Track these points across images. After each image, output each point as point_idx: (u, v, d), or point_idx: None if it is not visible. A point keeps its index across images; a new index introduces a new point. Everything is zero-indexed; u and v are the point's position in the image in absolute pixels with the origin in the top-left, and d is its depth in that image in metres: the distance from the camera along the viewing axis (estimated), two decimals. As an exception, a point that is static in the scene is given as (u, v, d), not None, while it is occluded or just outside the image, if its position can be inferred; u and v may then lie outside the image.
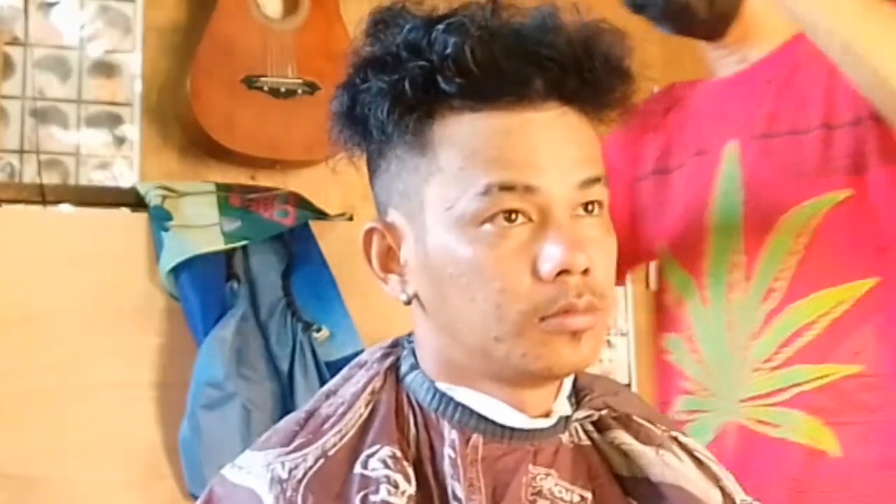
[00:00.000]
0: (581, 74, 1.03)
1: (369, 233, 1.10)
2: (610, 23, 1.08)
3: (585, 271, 1.02)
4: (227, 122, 2.50)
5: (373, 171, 1.11)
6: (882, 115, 1.37)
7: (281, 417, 2.43)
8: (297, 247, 2.49)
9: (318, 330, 2.49)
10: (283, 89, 2.54)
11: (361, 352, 2.54)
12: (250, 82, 2.52)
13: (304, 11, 2.60)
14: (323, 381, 2.43)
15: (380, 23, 1.07)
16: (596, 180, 1.05)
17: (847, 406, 1.41)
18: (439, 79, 1.02)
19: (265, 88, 2.53)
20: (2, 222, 2.35)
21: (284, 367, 2.45)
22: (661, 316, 1.56)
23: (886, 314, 1.43)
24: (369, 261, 1.10)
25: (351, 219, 2.51)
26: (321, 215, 2.51)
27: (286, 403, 2.43)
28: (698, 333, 1.48)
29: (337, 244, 2.49)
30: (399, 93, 1.03)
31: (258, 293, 2.45)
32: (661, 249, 1.54)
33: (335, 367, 2.44)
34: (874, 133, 1.42)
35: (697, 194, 1.49)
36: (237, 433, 2.37)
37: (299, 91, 2.55)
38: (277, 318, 2.46)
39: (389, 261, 1.10)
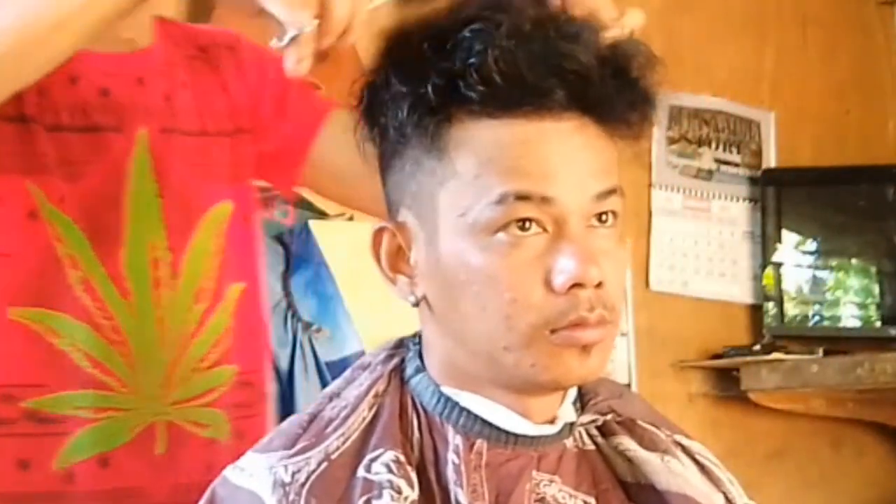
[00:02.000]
0: (603, 88, 1.03)
1: (379, 232, 1.09)
2: (644, 45, 1.07)
3: (598, 285, 1.02)
4: (227, 122, 2.49)
5: (385, 168, 1.10)
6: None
7: (281, 417, 2.43)
8: (297, 247, 2.49)
9: (319, 330, 2.49)
10: (283, 89, 2.54)
11: (362, 352, 2.55)
12: (250, 82, 2.52)
13: (304, 11, 2.60)
14: (323, 381, 2.44)
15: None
16: (612, 192, 1.05)
17: (230, 403, 1.43)
18: (461, 85, 1.01)
19: (265, 88, 2.53)
20: (2, 222, 2.34)
21: (284, 367, 2.45)
22: (20, 286, 1.35)
23: (248, 316, 1.47)
24: (378, 260, 1.09)
25: (351, 219, 2.51)
26: (321, 215, 2.51)
27: (286, 403, 2.43)
28: (125, 327, 1.37)
29: (337, 244, 2.48)
30: (420, 96, 1.02)
31: (258, 293, 2.45)
32: (51, 211, 1.36)
33: (335, 367, 2.45)
34: (249, 147, 1.48)
35: (112, 177, 1.38)
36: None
37: (299, 91, 2.54)
38: (277, 317, 2.46)
39: (398, 261, 1.09)
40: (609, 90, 1.03)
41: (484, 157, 1.02)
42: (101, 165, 1.37)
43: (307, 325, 2.48)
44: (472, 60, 1.01)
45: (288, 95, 1.51)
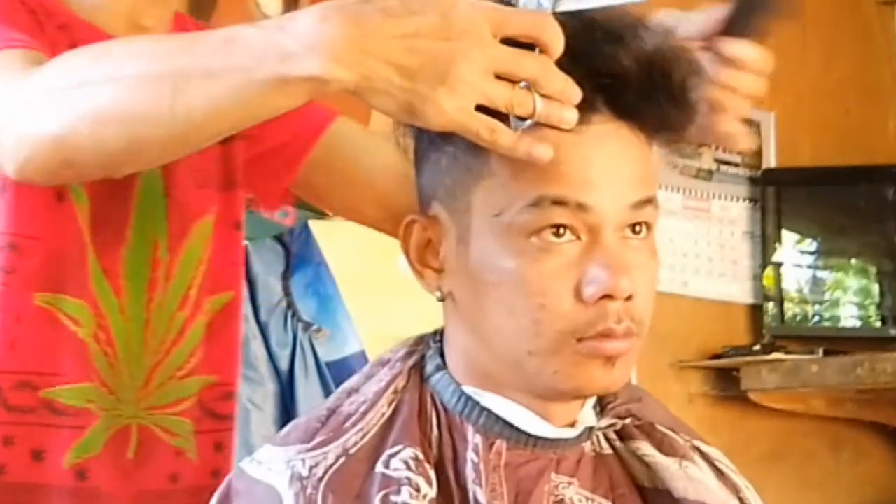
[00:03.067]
0: (644, 95, 1.02)
1: (410, 224, 1.09)
2: (689, 51, 1.06)
3: (628, 297, 1.01)
4: (227, 122, 2.49)
5: (420, 160, 1.10)
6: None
7: (281, 417, 2.41)
8: (297, 247, 2.49)
9: (319, 330, 2.49)
10: (283, 88, 2.54)
11: (362, 352, 2.54)
12: (251, 81, 2.51)
13: (304, 10, 2.60)
14: (323, 382, 2.44)
15: None
16: (648, 201, 1.04)
17: (203, 415, 1.40)
18: None
19: (266, 87, 2.52)
20: (2, 221, 2.33)
21: (284, 367, 2.45)
22: (48, 271, 1.29)
23: (231, 327, 1.44)
24: (407, 253, 1.09)
25: (351, 218, 2.51)
26: (321, 215, 2.50)
27: (286, 403, 2.43)
28: (113, 326, 1.33)
29: (337, 244, 2.48)
30: None
31: (258, 293, 2.45)
32: (77, 192, 1.30)
33: (335, 367, 2.44)
34: (241, 154, 1.43)
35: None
36: (237, 433, 2.37)
37: (300, 90, 2.54)
38: (277, 318, 2.46)
39: (427, 255, 1.08)
40: (650, 96, 1.02)
41: None
42: None
43: (307, 325, 2.47)
44: None
45: (290, 114, 1.44)
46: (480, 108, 0.98)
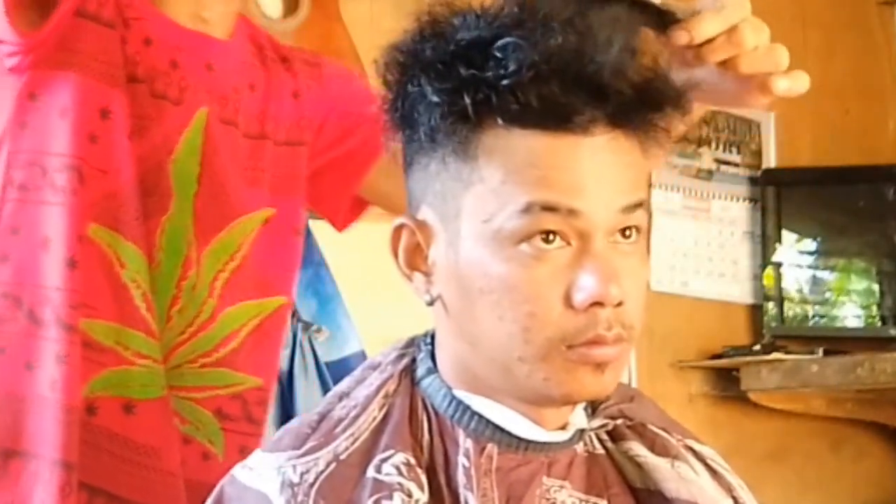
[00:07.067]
0: (638, 107, 1.02)
1: (399, 228, 1.08)
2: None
3: (618, 304, 1.01)
4: (227, 122, 2.49)
5: (410, 164, 1.09)
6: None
7: (280, 417, 2.42)
8: (297, 247, 2.49)
9: (318, 330, 2.49)
10: (283, 89, 2.54)
11: (362, 352, 2.54)
12: (251, 82, 2.52)
13: (304, 11, 2.60)
14: (323, 382, 2.44)
15: (435, 23, 1.05)
16: (638, 205, 1.04)
17: (242, 416, 1.43)
18: (493, 97, 1.00)
19: (265, 88, 2.52)
20: (1, 222, 2.33)
21: (284, 367, 2.44)
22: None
23: (277, 333, 1.49)
24: (395, 256, 1.08)
25: (351, 219, 2.50)
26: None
27: (286, 403, 2.43)
28: (151, 291, 1.37)
29: (337, 244, 2.48)
30: (455, 104, 1.01)
31: (258, 293, 2.45)
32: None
33: (335, 367, 2.45)
34: (304, 161, 1.48)
35: (164, 144, 1.38)
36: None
37: (299, 90, 2.54)
38: (277, 318, 2.46)
39: (416, 258, 1.08)
40: (644, 108, 1.02)
41: (512, 164, 1.01)
42: (160, 129, 1.37)
43: (307, 325, 2.47)
44: (505, 81, 0.99)
45: (359, 121, 1.49)
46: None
